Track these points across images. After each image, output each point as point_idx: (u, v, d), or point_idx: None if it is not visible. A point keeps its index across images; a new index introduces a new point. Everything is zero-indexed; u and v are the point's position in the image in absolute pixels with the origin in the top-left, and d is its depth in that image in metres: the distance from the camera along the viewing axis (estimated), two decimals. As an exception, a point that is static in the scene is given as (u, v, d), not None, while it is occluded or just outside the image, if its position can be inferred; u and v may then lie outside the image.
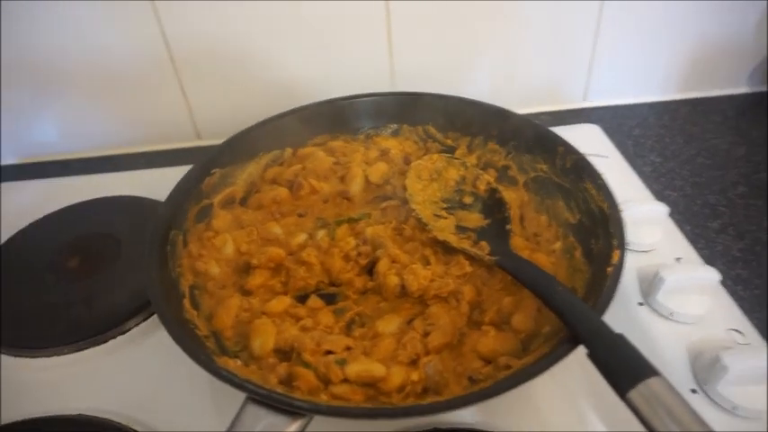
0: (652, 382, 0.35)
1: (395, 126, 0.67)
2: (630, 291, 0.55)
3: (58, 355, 0.54)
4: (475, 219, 0.57)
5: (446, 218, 0.57)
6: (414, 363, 0.45)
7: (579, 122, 0.80)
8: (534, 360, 0.41)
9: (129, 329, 0.56)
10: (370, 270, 0.54)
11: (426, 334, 0.47)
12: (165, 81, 0.79)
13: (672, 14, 0.80)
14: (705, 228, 0.66)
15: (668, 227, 0.62)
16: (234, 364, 0.44)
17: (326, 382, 0.43)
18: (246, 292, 0.53)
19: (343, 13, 0.76)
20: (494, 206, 0.57)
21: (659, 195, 0.68)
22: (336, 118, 0.66)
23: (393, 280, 0.51)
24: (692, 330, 0.51)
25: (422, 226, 0.56)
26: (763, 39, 0.83)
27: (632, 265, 0.57)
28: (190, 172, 0.57)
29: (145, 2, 0.72)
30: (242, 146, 0.61)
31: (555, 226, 0.56)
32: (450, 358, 0.46)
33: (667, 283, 0.51)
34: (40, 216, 0.69)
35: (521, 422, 0.46)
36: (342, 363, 0.44)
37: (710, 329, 0.51)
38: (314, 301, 0.52)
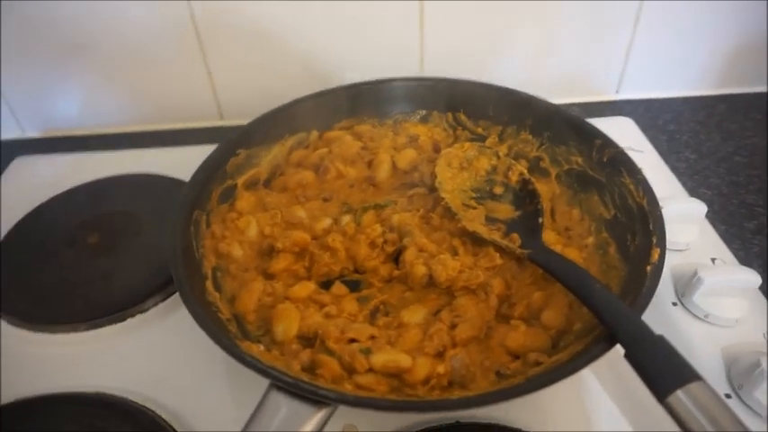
0: (694, 386, 0.34)
1: (424, 112, 0.66)
2: (664, 290, 0.54)
3: (76, 331, 0.54)
4: (505, 210, 0.56)
5: (475, 208, 0.56)
6: (440, 355, 0.44)
7: (611, 115, 0.78)
8: (568, 358, 0.40)
9: (148, 309, 0.55)
10: (395, 258, 0.53)
11: (453, 326, 0.46)
12: (190, 58, 0.78)
13: (714, 8, 0.77)
14: (741, 228, 0.64)
15: (704, 226, 0.60)
16: (257, 350, 0.43)
17: (351, 371, 0.42)
18: (269, 276, 0.52)
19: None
20: (525, 198, 0.56)
21: (693, 193, 0.67)
22: (364, 102, 0.65)
23: (420, 269, 0.50)
24: (727, 333, 0.50)
25: (451, 215, 0.54)
26: (806, 35, 0.81)
27: (667, 264, 0.54)
28: (215, 151, 0.56)
29: (173, -24, 0.71)
30: (268, 127, 0.60)
31: (588, 220, 0.54)
32: (477, 352, 0.45)
33: (706, 284, 0.50)
34: (61, 191, 0.68)
35: (548, 420, 0.45)
36: (367, 352, 0.43)
37: (747, 333, 0.50)
38: (338, 287, 0.52)
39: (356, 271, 0.53)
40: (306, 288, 0.50)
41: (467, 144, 0.60)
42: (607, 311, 0.40)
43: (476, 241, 0.53)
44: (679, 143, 0.77)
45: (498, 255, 0.51)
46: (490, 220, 0.55)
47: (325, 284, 0.52)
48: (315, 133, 0.64)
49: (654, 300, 0.50)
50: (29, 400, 0.47)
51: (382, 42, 0.78)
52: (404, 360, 0.42)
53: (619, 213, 0.51)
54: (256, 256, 0.53)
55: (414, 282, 0.50)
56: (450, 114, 0.65)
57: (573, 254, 0.51)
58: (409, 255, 0.51)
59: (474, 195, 0.57)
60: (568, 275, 0.45)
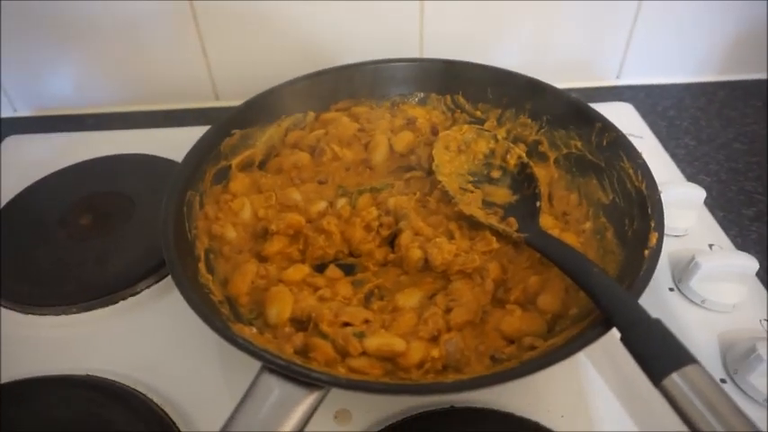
0: (689, 369, 0.34)
1: (422, 94, 0.65)
2: (661, 276, 0.53)
3: (67, 314, 0.53)
4: (502, 194, 0.55)
5: (472, 192, 0.55)
6: (434, 339, 0.43)
7: (612, 101, 0.77)
8: (563, 341, 0.39)
9: (141, 291, 0.55)
10: (391, 242, 0.52)
11: (449, 310, 0.46)
12: (185, 37, 0.76)
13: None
14: (739, 215, 0.63)
15: (702, 212, 0.60)
16: (249, 332, 0.42)
17: (344, 354, 0.42)
18: (263, 259, 0.51)
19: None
20: (523, 182, 0.55)
21: (692, 179, 0.66)
22: (362, 83, 0.64)
23: (416, 253, 0.49)
24: (724, 319, 0.50)
25: (447, 199, 0.54)
26: (808, 22, 0.80)
27: (664, 250, 0.53)
28: (209, 131, 0.55)
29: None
30: (263, 107, 0.59)
31: (585, 205, 0.54)
32: (472, 336, 0.45)
33: (703, 269, 0.49)
34: (53, 170, 0.67)
35: (541, 405, 0.45)
36: (360, 335, 0.42)
37: (743, 319, 0.50)
38: (332, 271, 0.51)
39: (351, 254, 0.53)
40: (300, 271, 0.49)
41: (465, 127, 0.60)
42: (604, 295, 0.39)
43: (472, 225, 0.52)
44: (679, 129, 0.76)
45: (495, 239, 0.50)
46: (487, 204, 0.54)
47: (320, 268, 0.51)
48: (311, 114, 0.63)
49: (651, 285, 0.50)
50: (20, 382, 0.47)
51: (382, 25, 0.77)
52: (398, 344, 0.41)
53: (617, 198, 0.51)
54: (250, 238, 0.53)
55: (409, 265, 0.50)
56: (448, 97, 0.64)
57: (570, 238, 0.51)
58: (405, 238, 0.50)
59: (471, 179, 0.57)
60: (566, 259, 0.44)
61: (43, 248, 0.58)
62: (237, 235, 0.52)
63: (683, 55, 0.84)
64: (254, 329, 0.44)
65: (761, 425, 0.41)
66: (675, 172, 0.66)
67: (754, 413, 0.43)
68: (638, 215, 0.47)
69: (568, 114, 0.57)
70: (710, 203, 0.63)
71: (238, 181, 0.56)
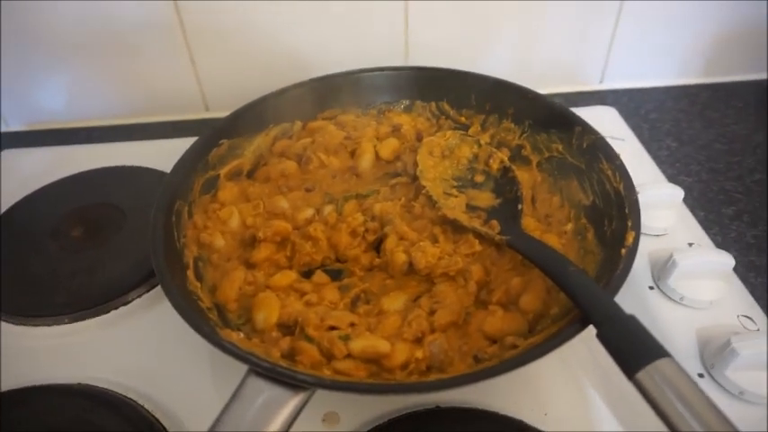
0: (661, 363, 0.34)
1: (407, 102, 0.66)
2: (641, 274, 0.54)
3: (59, 324, 0.54)
4: (486, 198, 0.56)
5: (456, 196, 0.56)
6: (419, 340, 0.44)
7: (595, 104, 0.79)
8: (542, 340, 0.40)
9: (132, 300, 0.55)
10: (377, 247, 0.53)
11: (432, 312, 0.46)
12: (174, 50, 0.78)
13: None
14: (719, 214, 0.64)
15: (682, 212, 0.61)
16: (237, 337, 0.43)
17: (329, 357, 0.43)
18: (251, 266, 0.52)
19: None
20: (506, 185, 0.56)
21: (674, 180, 0.67)
22: (348, 91, 0.65)
23: (400, 257, 0.50)
24: (702, 315, 0.51)
25: (431, 203, 0.55)
26: (787, 24, 0.81)
27: (644, 249, 0.56)
28: (197, 142, 0.56)
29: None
30: (251, 117, 0.60)
31: (567, 207, 0.55)
32: (455, 337, 0.46)
33: (680, 267, 0.50)
34: (45, 183, 0.68)
35: (525, 404, 0.45)
36: (345, 338, 0.43)
37: (721, 315, 0.51)
38: (319, 276, 0.52)
39: (338, 260, 0.53)
40: (287, 277, 0.50)
41: (448, 132, 0.61)
42: (580, 293, 0.40)
43: (456, 229, 0.53)
44: (661, 131, 0.78)
45: (478, 242, 0.51)
46: (471, 208, 0.55)
47: (307, 274, 0.52)
48: (298, 123, 0.64)
49: (631, 284, 0.51)
50: (12, 391, 0.48)
51: (367, 35, 0.79)
52: (382, 345, 0.42)
53: (597, 199, 0.52)
54: (238, 245, 0.54)
55: (394, 269, 0.50)
56: (433, 104, 0.65)
57: (552, 240, 0.52)
58: (390, 243, 0.51)
59: (456, 184, 0.58)
60: (544, 260, 0.45)
61: (35, 260, 0.59)
62: (226, 243, 0.53)
63: (664, 59, 0.85)
64: (242, 334, 0.45)
65: (737, 417, 0.42)
66: (657, 173, 0.67)
67: (731, 406, 0.44)
68: (617, 215, 0.48)
69: (548, 118, 0.58)
70: (691, 203, 0.64)
71: (227, 190, 0.57)
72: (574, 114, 0.56)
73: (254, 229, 0.54)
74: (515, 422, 0.44)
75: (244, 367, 0.38)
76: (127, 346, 0.52)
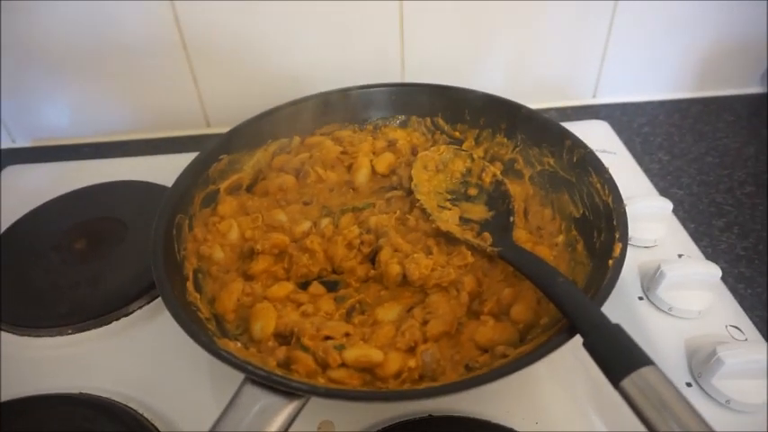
0: (645, 371, 0.35)
1: (403, 117, 0.68)
2: (631, 285, 0.55)
3: (62, 335, 0.55)
4: (479, 211, 0.57)
5: (450, 209, 0.57)
6: (411, 350, 0.45)
7: (588, 119, 0.80)
8: (531, 349, 0.41)
9: (133, 311, 0.56)
10: (372, 259, 0.54)
11: (425, 322, 0.47)
12: (176, 68, 0.80)
13: (686, 13, 0.79)
14: (709, 226, 0.65)
15: (672, 224, 0.62)
16: (234, 346, 0.44)
17: (324, 366, 0.44)
18: (249, 278, 0.53)
19: (356, 2, 0.76)
20: (498, 198, 0.58)
21: (665, 193, 0.68)
22: (345, 108, 0.66)
23: (395, 268, 0.51)
24: (690, 326, 0.51)
25: (426, 216, 0.56)
26: (777, 39, 0.83)
27: (634, 261, 0.57)
28: (198, 157, 0.58)
29: (159, -13, 0.73)
30: (250, 133, 0.62)
31: (558, 219, 0.56)
32: (447, 347, 0.47)
33: (668, 278, 0.51)
34: (50, 198, 0.70)
35: (517, 412, 0.46)
36: (340, 348, 0.44)
37: (709, 325, 0.51)
38: (315, 287, 0.53)
39: (334, 272, 0.54)
40: (284, 288, 0.51)
41: (442, 147, 0.62)
42: (567, 303, 0.41)
43: (449, 241, 0.54)
44: (653, 145, 0.79)
45: (470, 253, 0.52)
46: (464, 220, 0.56)
47: (304, 285, 0.53)
48: (297, 139, 0.65)
49: (620, 294, 0.52)
50: (14, 401, 0.49)
51: (364, 53, 0.80)
52: (375, 355, 0.43)
53: (587, 212, 0.53)
54: (237, 258, 0.55)
55: (388, 280, 0.52)
56: (428, 119, 0.67)
57: (543, 252, 0.53)
58: (384, 254, 0.52)
59: (449, 197, 0.59)
60: (533, 271, 0.46)
61: (39, 272, 0.60)
62: (225, 255, 0.54)
63: (657, 73, 0.87)
64: (239, 344, 0.46)
65: (724, 426, 0.43)
66: (648, 186, 0.68)
67: (718, 415, 0.45)
68: (605, 227, 0.49)
69: (540, 133, 0.59)
70: (682, 215, 0.65)
71: (226, 204, 0.59)
72: (564, 128, 0.58)
73: (253, 241, 0.55)
74: (507, 431, 0.44)
75: (241, 376, 0.39)
76: (128, 357, 0.53)
